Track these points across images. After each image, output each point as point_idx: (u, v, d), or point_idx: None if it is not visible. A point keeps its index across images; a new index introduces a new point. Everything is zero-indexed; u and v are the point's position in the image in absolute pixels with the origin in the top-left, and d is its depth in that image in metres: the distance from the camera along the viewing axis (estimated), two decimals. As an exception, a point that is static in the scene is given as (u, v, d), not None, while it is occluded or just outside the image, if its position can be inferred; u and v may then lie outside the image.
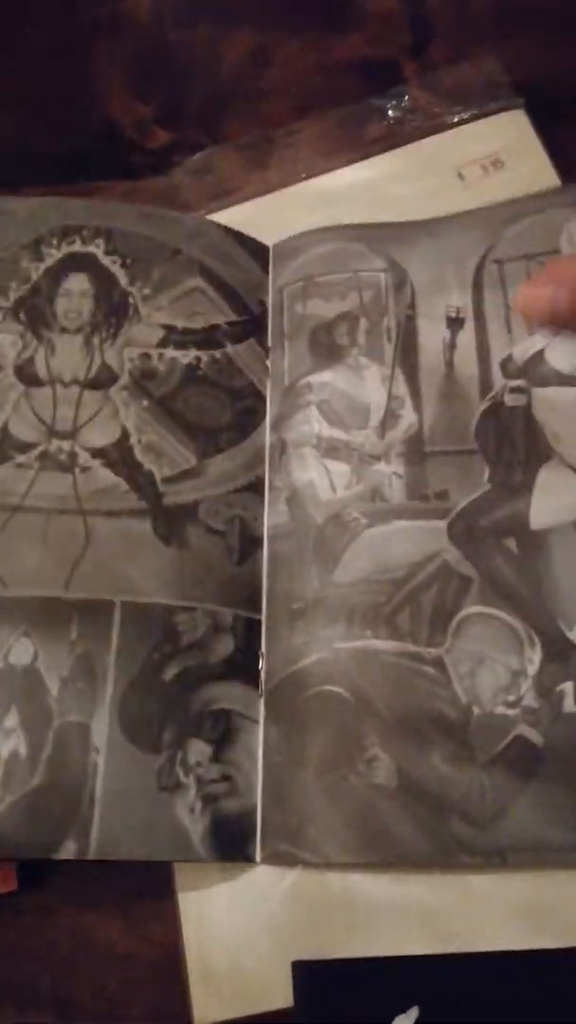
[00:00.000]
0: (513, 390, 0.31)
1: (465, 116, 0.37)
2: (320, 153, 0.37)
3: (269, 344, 0.34)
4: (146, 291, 0.33)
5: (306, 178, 0.37)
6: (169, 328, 0.33)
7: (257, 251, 0.36)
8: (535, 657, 0.26)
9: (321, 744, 0.26)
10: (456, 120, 0.37)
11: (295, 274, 0.35)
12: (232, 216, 0.37)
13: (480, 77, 0.37)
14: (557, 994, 0.24)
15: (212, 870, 0.26)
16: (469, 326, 0.33)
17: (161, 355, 0.32)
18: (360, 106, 0.38)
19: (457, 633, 0.27)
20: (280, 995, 0.24)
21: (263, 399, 0.33)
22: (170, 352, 0.32)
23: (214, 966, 0.25)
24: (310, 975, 0.24)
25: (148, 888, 0.26)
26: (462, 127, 0.37)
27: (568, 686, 0.26)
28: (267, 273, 0.36)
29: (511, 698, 0.26)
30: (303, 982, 0.24)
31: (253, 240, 0.36)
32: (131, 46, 0.42)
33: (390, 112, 0.38)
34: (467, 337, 0.32)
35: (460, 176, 0.36)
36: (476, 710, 0.26)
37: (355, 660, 0.27)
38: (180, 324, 0.33)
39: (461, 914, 0.25)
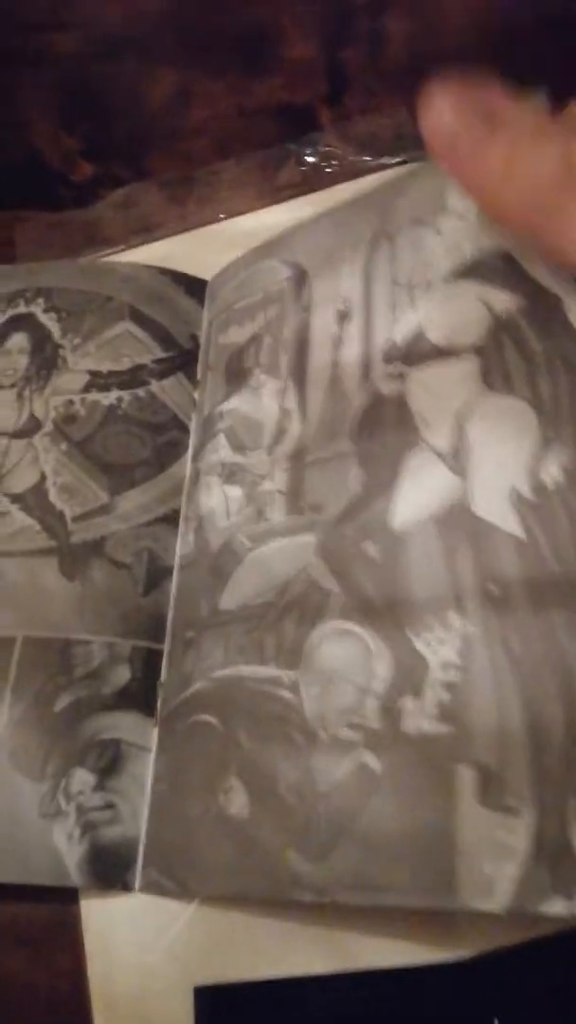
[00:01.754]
0: (390, 376, 0.28)
1: (375, 165, 0.37)
2: (238, 194, 0.39)
3: (198, 377, 0.35)
4: (76, 341, 0.36)
5: (224, 218, 0.39)
6: (94, 373, 0.35)
7: (193, 287, 0.37)
8: (382, 672, 0.24)
9: (192, 774, 0.26)
10: (369, 168, 0.37)
11: (221, 305, 0.36)
12: (152, 252, 0.38)
13: (392, 127, 0.37)
14: (446, 1007, 0.23)
15: (117, 898, 0.26)
16: (357, 316, 0.30)
17: (84, 399, 0.34)
18: (276, 150, 0.39)
19: (312, 652, 0.25)
20: (184, 1021, 0.24)
21: (187, 431, 0.34)
22: (92, 396, 0.34)
23: (118, 993, 0.26)
24: (211, 1000, 0.24)
25: (53, 918, 0.27)
26: (374, 176, 0.37)
27: (410, 703, 0.23)
28: (203, 308, 0.37)
29: (356, 720, 0.24)
30: (204, 1007, 0.24)
31: (190, 277, 0.38)
32: (57, 78, 0.44)
33: (306, 157, 0.39)
34: (354, 329, 0.30)
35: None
36: (323, 735, 0.24)
37: (225, 688, 0.27)
38: (105, 368, 0.35)
39: (357, 932, 0.24)
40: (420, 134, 0.36)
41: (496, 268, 0.27)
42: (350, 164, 0.38)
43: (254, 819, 0.24)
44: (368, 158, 0.38)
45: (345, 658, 0.25)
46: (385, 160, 0.37)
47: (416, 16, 0.42)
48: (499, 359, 0.26)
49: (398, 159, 0.37)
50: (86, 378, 0.35)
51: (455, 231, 0.29)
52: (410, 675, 0.23)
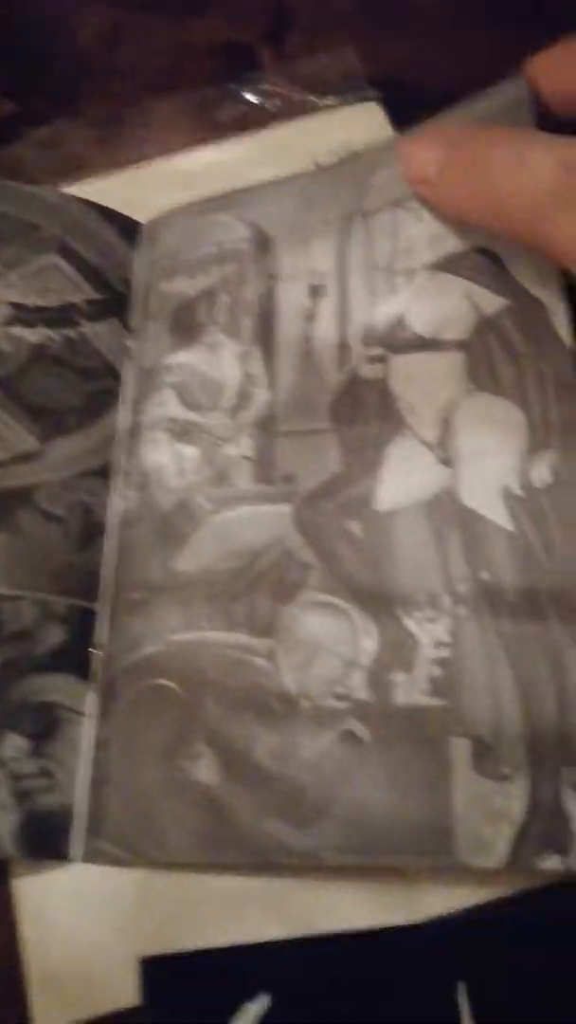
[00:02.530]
0: (371, 359, 0.28)
1: (320, 105, 0.36)
2: (173, 133, 0.37)
3: (133, 324, 0.33)
4: (-4, 268, 0.32)
5: (158, 157, 0.36)
6: (17, 306, 0.31)
7: (127, 228, 0.35)
8: (370, 647, 0.25)
9: (148, 740, 0.25)
10: (312, 109, 0.36)
11: (162, 251, 0.34)
12: (81, 193, 0.35)
13: (337, 68, 0.37)
14: (406, 971, 0.23)
15: (52, 870, 0.25)
16: (332, 293, 0.30)
17: (7, 333, 0.31)
18: (216, 89, 0.37)
19: (292, 623, 0.26)
20: (129, 994, 0.23)
21: (120, 380, 0.32)
22: (16, 330, 0.31)
23: (56, 967, 0.24)
24: (157, 970, 0.23)
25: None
26: (318, 116, 0.36)
27: (400, 677, 0.24)
28: (136, 251, 0.35)
29: (341, 690, 0.24)
30: (150, 978, 0.23)
31: (123, 217, 0.35)
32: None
33: (246, 97, 0.37)
34: (328, 306, 0.30)
35: (316, 164, 0.34)
36: (305, 703, 0.24)
37: (187, 652, 0.26)
38: (30, 302, 0.32)
39: (311, 895, 0.24)
40: (367, 74, 0.36)
41: (483, 267, 0.27)
42: (293, 104, 0.37)
43: (227, 786, 0.24)
44: (314, 97, 0.36)
45: (329, 630, 0.25)
46: (330, 100, 0.36)
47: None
48: (486, 358, 0.26)
49: (345, 98, 0.36)
50: (8, 311, 0.31)
51: (438, 221, 0.29)
52: (399, 651, 0.24)
